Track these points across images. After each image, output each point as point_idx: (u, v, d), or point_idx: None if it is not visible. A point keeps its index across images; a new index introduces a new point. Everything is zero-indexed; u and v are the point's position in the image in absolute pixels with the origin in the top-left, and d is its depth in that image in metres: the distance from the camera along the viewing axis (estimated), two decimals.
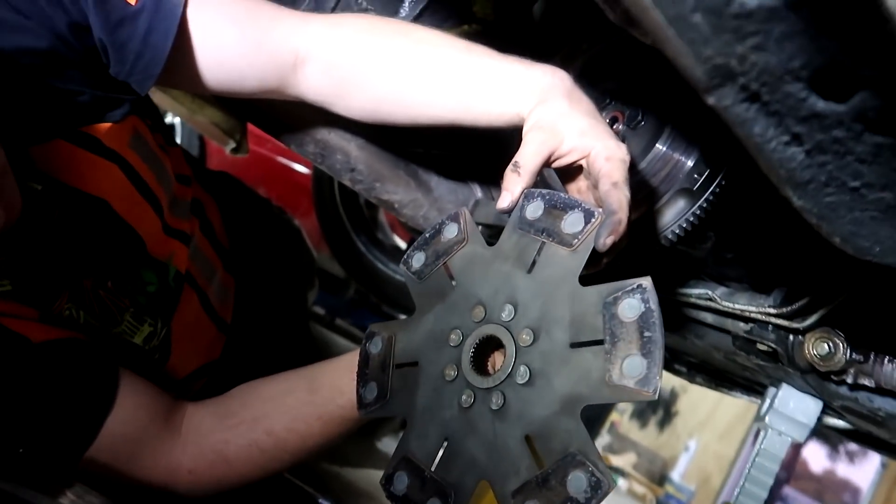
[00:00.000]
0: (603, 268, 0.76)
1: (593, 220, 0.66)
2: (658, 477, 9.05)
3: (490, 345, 0.70)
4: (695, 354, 1.35)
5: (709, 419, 9.91)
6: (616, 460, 7.94)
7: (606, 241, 0.66)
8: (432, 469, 0.66)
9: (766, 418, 1.08)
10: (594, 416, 7.39)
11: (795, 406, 1.07)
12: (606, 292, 0.62)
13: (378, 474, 1.83)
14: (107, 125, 0.88)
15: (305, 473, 1.32)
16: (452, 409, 0.67)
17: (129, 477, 0.86)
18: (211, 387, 1.14)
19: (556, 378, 0.62)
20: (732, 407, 9.64)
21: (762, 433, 1.10)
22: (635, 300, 0.60)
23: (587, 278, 0.66)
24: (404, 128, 1.30)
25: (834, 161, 0.39)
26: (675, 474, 9.15)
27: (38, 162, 0.82)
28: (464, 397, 0.66)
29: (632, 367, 0.57)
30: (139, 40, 0.78)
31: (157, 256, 0.99)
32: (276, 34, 0.85)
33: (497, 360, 0.72)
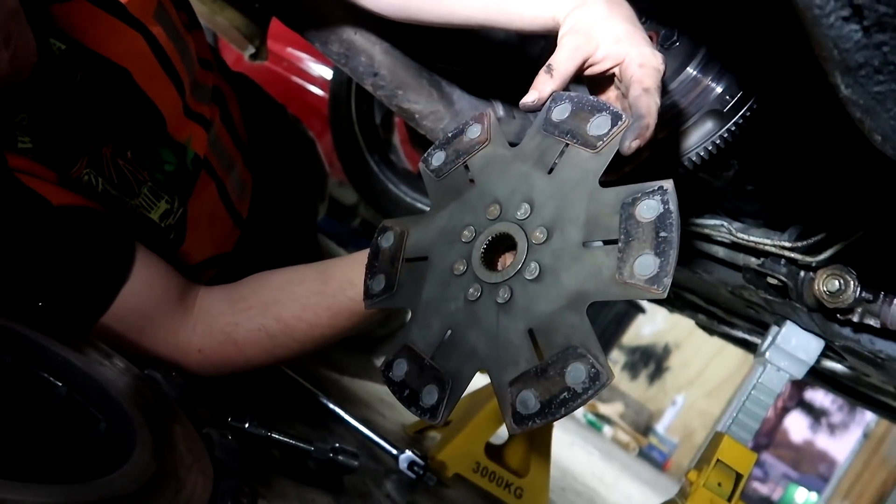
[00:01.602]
0: (621, 178, 0.75)
1: (620, 122, 0.66)
2: (643, 428, 9.27)
3: (502, 244, 0.71)
4: (701, 291, 1.36)
5: (698, 377, 10.09)
6: (604, 409, 8.12)
7: (632, 144, 0.65)
8: (431, 357, 0.67)
9: (767, 353, 1.09)
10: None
11: (797, 343, 1.08)
12: (625, 193, 0.62)
13: (374, 387, 1.86)
14: None
15: (306, 376, 1.34)
16: (458, 301, 0.68)
17: (141, 350, 0.87)
18: (221, 278, 1.15)
19: (565, 275, 0.62)
20: (723, 367, 9.80)
21: (760, 368, 1.11)
22: (654, 201, 0.60)
23: (606, 183, 0.65)
24: (431, 39, 1.28)
25: (891, 42, 0.38)
26: (660, 427, 9.36)
27: (60, 21, 0.81)
28: (471, 290, 0.67)
29: (643, 265, 0.58)
30: None
31: (175, 137, 0.99)
32: None
33: (507, 259, 0.73)
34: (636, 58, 0.72)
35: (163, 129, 0.96)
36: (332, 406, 1.24)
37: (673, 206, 0.59)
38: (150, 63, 0.91)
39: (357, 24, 1.20)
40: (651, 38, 1.02)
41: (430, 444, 1.55)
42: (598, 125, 0.67)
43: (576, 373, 0.57)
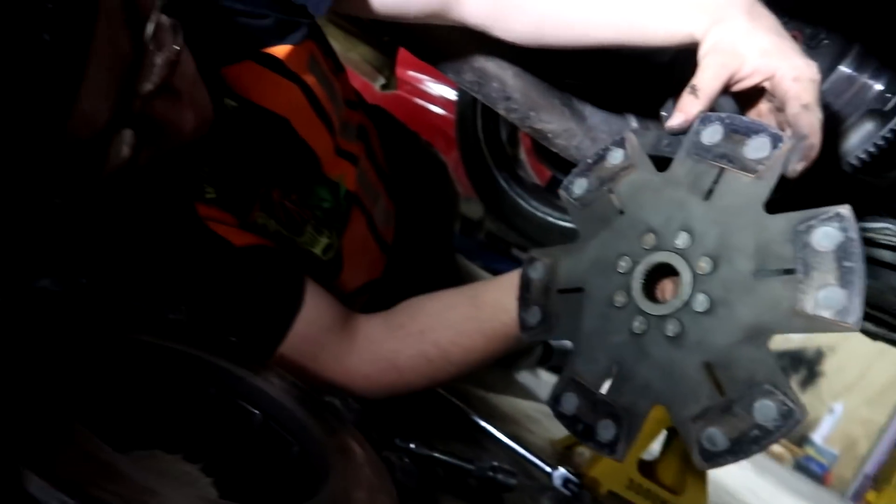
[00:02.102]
0: (783, 197, 0.73)
1: (781, 144, 0.63)
2: (798, 438, 8.63)
3: (659, 273, 0.69)
4: (867, 296, 1.27)
5: (857, 382, 9.26)
6: None
7: (797, 167, 0.63)
8: (602, 392, 0.67)
9: None
10: None
11: None
12: (797, 220, 0.59)
13: (519, 402, 1.88)
14: (287, 48, 0.95)
15: (454, 393, 1.39)
16: (622, 334, 0.67)
17: (313, 377, 0.94)
18: (372, 303, 1.22)
19: (739, 307, 0.61)
20: (885, 372, 8.94)
21: None
22: (832, 229, 0.57)
23: (770, 206, 0.63)
24: (559, 58, 1.29)
25: None
26: (818, 437, 8.68)
27: (230, 81, 0.90)
28: (635, 324, 0.66)
29: (829, 298, 0.55)
30: None
31: (329, 175, 1.06)
32: None
33: (666, 288, 0.72)
34: (789, 71, 0.69)
35: (318, 169, 1.04)
36: (484, 424, 1.28)
37: (854, 233, 0.56)
38: (306, 111, 0.99)
39: (488, 52, 1.24)
40: (796, 37, 0.98)
41: (580, 459, 1.54)
42: (756, 148, 0.64)
43: (765, 410, 0.56)
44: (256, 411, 0.71)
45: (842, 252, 0.56)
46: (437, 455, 0.96)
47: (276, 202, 0.97)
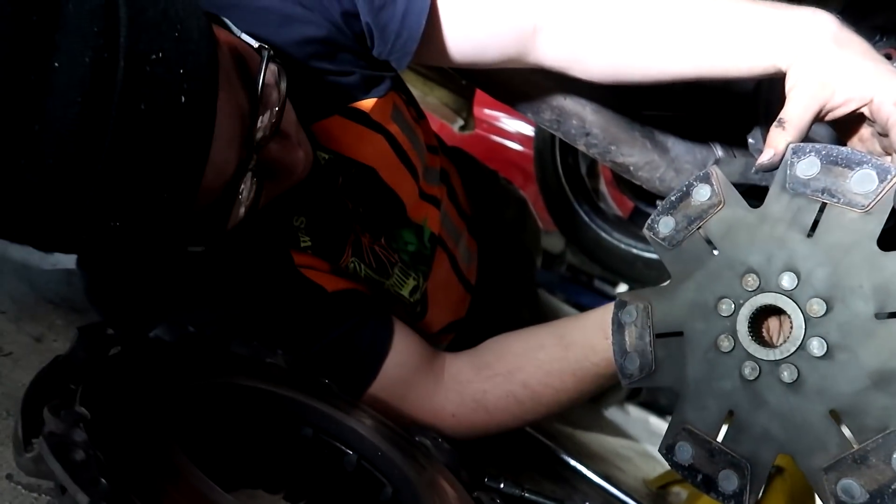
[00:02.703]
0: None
1: (888, 175, 0.60)
2: None
3: (763, 314, 0.67)
4: None
5: None
6: None
7: None
8: (719, 440, 0.65)
9: None
10: None
11: None
12: None
13: (608, 440, 1.84)
14: (372, 101, 0.99)
15: (541, 431, 1.38)
16: (733, 380, 0.65)
17: (402, 416, 0.96)
18: (458, 342, 1.23)
19: (862, 351, 0.58)
20: None
21: None
22: None
23: (883, 241, 0.60)
24: (638, 90, 1.29)
25: None
26: None
27: (320, 136, 0.95)
28: (747, 370, 0.64)
29: None
30: (398, 21, 0.86)
31: (414, 219, 1.09)
32: (517, 3, 0.88)
33: (772, 330, 0.70)
34: (889, 95, 0.65)
35: (403, 214, 1.08)
36: (574, 462, 1.26)
37: None
38: (391, 159, 1.03)
39: (565, 89, 1.25)
40: (891, 55, 0.95)
41: (676, 499, 1.49)
42: (860, 181, 0.61)
43: None
44: (350, 451, 0.73)
45: None
46: (526, 495, 0.96)
47: (365, 247, 1.00)
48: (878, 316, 0.58)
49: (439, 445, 0.80)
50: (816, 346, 0.60)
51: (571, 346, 0.95)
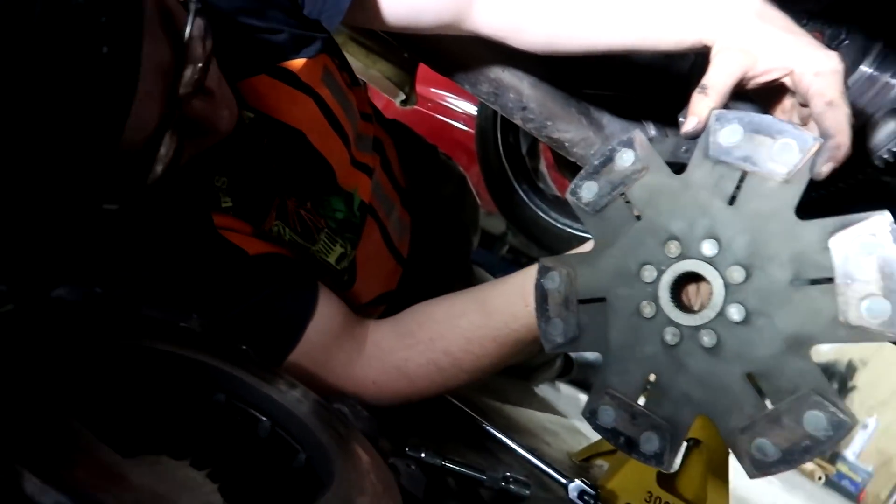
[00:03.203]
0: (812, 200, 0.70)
1: (808, 145, 0.60)
2: (830, 454, 8.43)
3: (684, 280, 0.68)
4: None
5: (891, 397, 9.03)
6: None
7: (824, 169, 0.60)
8: (640, 404, 0.66)
9: None
10: None
11: None
12: (833, 227, 0.57)
13: (536, 415, 1.86)
14: (302, 61, 0.96)
15: (469, 405, 1.38)
16: (655, 346, 0.66)
17: (322, 384, 0.94)
18: (388, 315, 1.22)
19: (778, 317, 0.60)
20: None
21: None
22: (871, 236, 0.55)
23: (801, 211, 0.61)
24: (576, 67, 1.29)
25: None
26: (850, 453, 8.46)
27: (245, 94, 0.91)
28: (668, 336, 0.65)
29: (874, 309, 0.54)
30: None
31: (344, 186, 1.07)
32: None
33: (690, 292, 0.71)
34: (809, 65, 0.66)
35: (333, 181, 1.05)
36: (499, 434, 1.26)
37: (894, 241, 0.54)
38: (321, 123, 1.00)
39: (504, 62, 1.24)
40: (816, 38, 0.97)
41: (598, 472, 1.52)
42: (780, 149, 0.61)
43: (815, 420, 0.56)
44: (264, 418, 0.71)
45: (883, 261, 0.54)
46: (447, 464, 0.95)
47: (291, 211, 0.98)
48: (794, 283, 0.59)
49: (357, 413, 0.79)
50: (735, 313, 0.62)
51: (493, 312, 0.94)
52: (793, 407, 0.57)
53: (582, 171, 0.75)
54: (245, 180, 0.92)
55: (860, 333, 0.55)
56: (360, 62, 1.83)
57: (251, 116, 0.91)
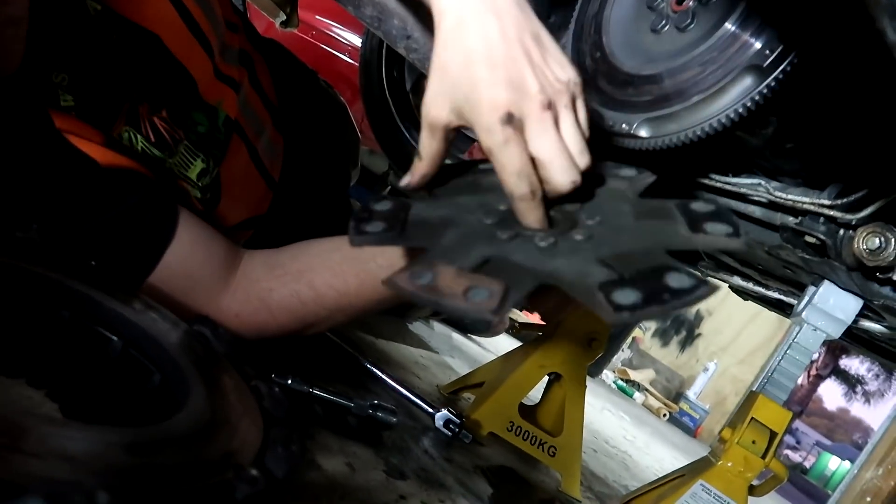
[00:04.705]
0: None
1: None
2: (674, 395, 9.26)
3: None
4: (736, 251, 1.35)
5: (731, 344, 10.01)
6: (635, 375, 8.12)
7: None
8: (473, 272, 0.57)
9: (804, 313, 1.09)
10: (617, 333, 7.47)
11: (835, 303, 1.07)
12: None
13: (409, 350, 1.89)
14: None
15: (343, 338, 1.37)
16: (492, 240, 0.63)
17: (184, 311, 0.89)
18: (257, 239, 1.17)
19: (624, 236, 0.62)
20: (756, 335, 9.70)
21: (797, 328, 1.10)
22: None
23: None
24: None
25: None
26: (691, 393, 9.35)
27: None
28: (505, 235, 0.63)
29: (716, 227, 0.60)
30: None
31: (207, 99, 1.00)
32: None
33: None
34: (506, 164, 0.65)
35: (194, 92, 0.98)
36: (369, 366, 1.27)
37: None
38: (179, 28, 0.93)
39: None
40: None
41: (465, 404, 1.57)
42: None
43: (678, 278, 0.52)
44: (115, 337, 0.66)
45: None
46: (314, 391, 0.95)
47: (143, 116, 0.90)
48: (637, 217, 0.65)
49: (219, 335, 0.76)
50: (581, 232, 0.64)
51: (365, 248, 0.92)
52: (652, 272, 0.54)
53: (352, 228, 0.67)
54: (89, 78, 0.84)
55: (710, 239, 0.60)
56: None
57: (98, 8, 0.82)
